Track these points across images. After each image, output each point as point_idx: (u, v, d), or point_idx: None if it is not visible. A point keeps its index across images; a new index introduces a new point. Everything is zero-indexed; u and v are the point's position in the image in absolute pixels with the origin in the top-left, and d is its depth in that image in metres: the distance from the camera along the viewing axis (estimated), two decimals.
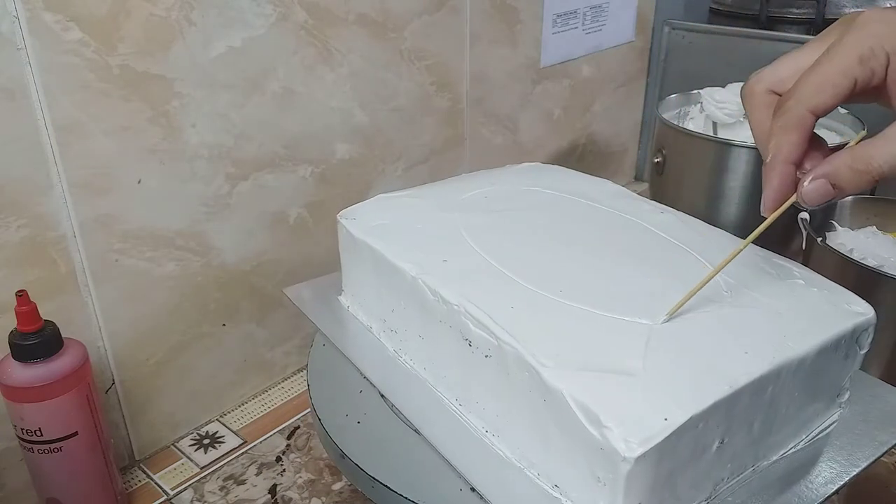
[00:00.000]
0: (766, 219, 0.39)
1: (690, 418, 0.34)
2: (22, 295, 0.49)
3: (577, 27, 0.96)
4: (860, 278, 0.66)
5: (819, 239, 0.69)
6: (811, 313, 0.43)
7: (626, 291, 0.43)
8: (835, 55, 0.36)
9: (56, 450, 0.51)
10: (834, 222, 0.77)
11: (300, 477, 0.61)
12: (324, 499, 0.59)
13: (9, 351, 0.50)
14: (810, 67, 0.37)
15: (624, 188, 0.58)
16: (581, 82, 1.01)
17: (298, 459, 0.63)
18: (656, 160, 0.88)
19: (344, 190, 0.72)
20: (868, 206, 0.78)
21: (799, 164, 0.38)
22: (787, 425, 0.42)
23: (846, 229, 0.77)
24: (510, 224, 0.51)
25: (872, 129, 0.84)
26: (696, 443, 0.36)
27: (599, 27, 1.00)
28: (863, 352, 0.45)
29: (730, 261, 0.41)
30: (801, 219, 0.72)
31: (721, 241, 0.50)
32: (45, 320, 0.50)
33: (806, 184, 0.37)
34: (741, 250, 0.41)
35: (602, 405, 0.35)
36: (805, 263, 0.73)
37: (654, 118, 0.91)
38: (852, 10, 0.97)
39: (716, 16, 1.15)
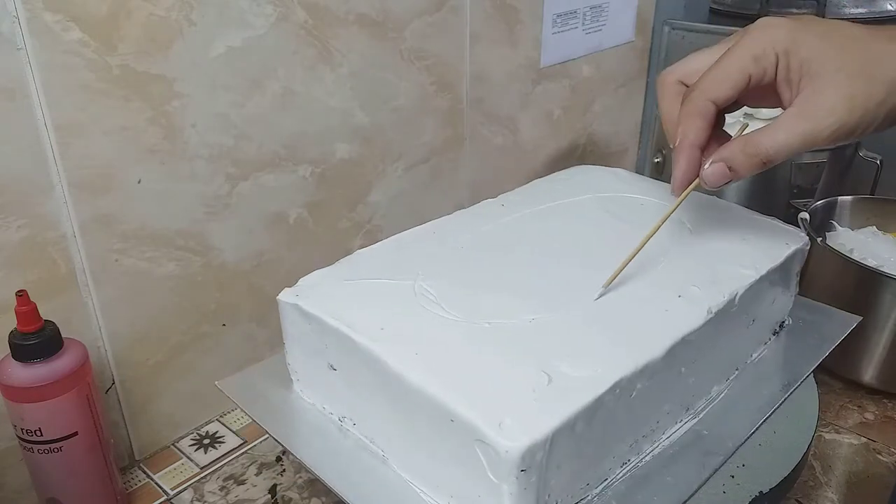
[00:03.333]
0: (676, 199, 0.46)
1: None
2: (22, 295, 0.49)
3: (577, 27, 0.96)
4: (860, 278, 0.66)
5: (819, 239, 0.70)
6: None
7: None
8: (734, 54, 0.41)
9: (56, 450, 0.51)
10: (834, 222, 0.78)
11: (300, 477, 0.61)
12: (324, 499, 0.59)
13: (9, 351, 0.50)
14: (713, 64, 0.42)
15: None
16: (581, 82, 1.01)
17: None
18: (656, 160, 0.88)
19: (344, 190, 0.72)
20: (868, 206, 0.78)
21: (704, 149, 0.43)
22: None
23: (846, 229, 0.77)
24: (527, 224, 0.55)
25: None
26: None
27: (599, 27, 1.00)
28: None
29: (643, 244, 0.46)
30: (801, 219, 0.72)
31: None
32: (45, 320, 0.50)
33: (706, 167, 0.43)
34: (655, 230, 0.47)
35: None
36: (805, 264, 0.73)
37: (654, 118, 0.91)
38: (852, 9, 0.98)
39: (716, 16, 1.15)
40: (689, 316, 0.44)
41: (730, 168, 0.42)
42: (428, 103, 0.78)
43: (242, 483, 0.61)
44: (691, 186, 0.44)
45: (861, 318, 0.55)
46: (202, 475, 0.62)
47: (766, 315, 0.52)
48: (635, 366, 0.40)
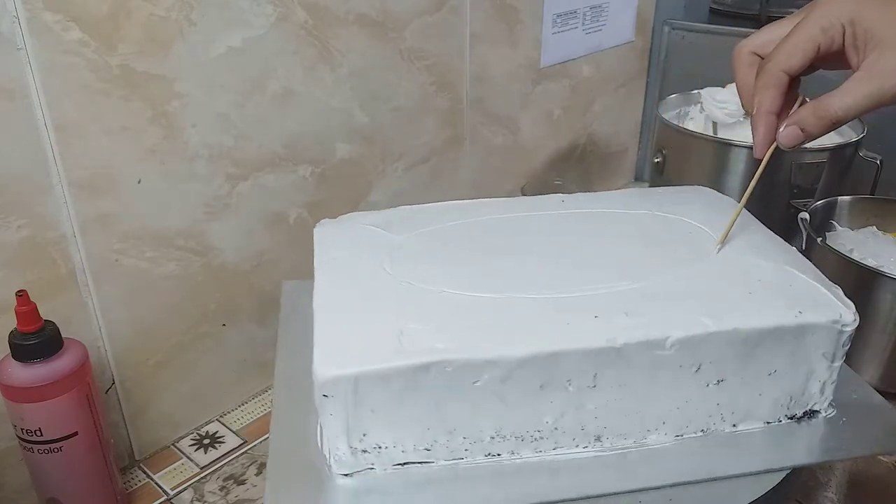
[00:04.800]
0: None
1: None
2: (22, 295, 0.49)
3: (577, 27, 0.96)
4: (860, 278, 0.66)
5: (819, 239, 0.69)
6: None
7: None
8: (803, 27, 0.45)
9: (56, 450, 0.51)
10: (834, 222, 0.77)
11: None
12: None
13: (9, 351, 0.50)
14: (784, 37, 0.46)
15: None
16: (581, 82, 1.01)
17: None
18: (656, 160, 0.88)
19: (344, 190, 0.72)
20: (868, 206, 0.78)
21: (779, 115, 0.47)
22: None
23: (846, 229, 0.77)
24: (521, 222, 0.55)
25: (873, 127, 0.84)
26: None
27: (599, 27, 1.00)
28: None
29: (739, 212, 0.51)
30: (801, 219, 0.72)
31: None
32: (45, 320, 0.50)
33: (781, 130, 0.47)
34: (748, 198, 0.50)
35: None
36: None
37: (654, 118, 0.91)
38: None
39: (716, 16, 1.15)
40: (583, 336, 0.43)
41: (802, 130, 0.46)
42: (428, 103, 0.78)
43: (242, 483, 0.61)
44: (771, 149, 0.48)
45: None
46: (202, 475, 0.62)
47: (752, 386, 0.46)
48: (472, 354, 0.41)
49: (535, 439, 0.44)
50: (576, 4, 0.94)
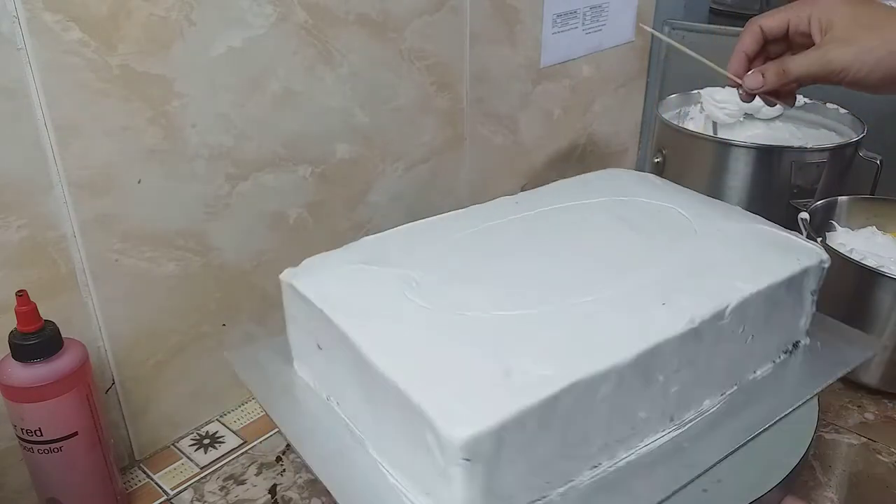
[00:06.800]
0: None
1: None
2: (22, 295, 0.49)
3: (577, 27, 0.96)
4: (860, 278, 0.66)
5: (819, 239, 0.69)
6: None
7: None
8: (785, 6, 0.60)
9: (56, 450, 0.51)
10: (834, 222, 0.78)
11: (300, 477, 0.61)
12: (324, 499, 0.59)
13: (9, 351, 0.50)
14: None
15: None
16: (581, 82, 1.01)
17: (298, 459, 0.63)
18: (656, 160, 0.88)
19: (344, 190, 0.72)
20: (868, 206, 0.78)
21: (752, 59, 0.62)
22: None
23: (846, 229, 0.77)
24: (522, 223, 0.56)
25: (873, 127, 0.84)
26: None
27: (599, 27, 1.00)
28: None
29: (678, 47, 0.67)
30: (801, 219, 0.72)
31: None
32: (45, 320, 0.50)
33: (749, 74, 0.60)
34: (685, 49, 0.65)
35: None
36: None
37: (654, 118, 0.91)
38: None
39: (716, 16, 1.15)
40: (668, 324, 0.43)
41: (762, 76, 0.58)
42: (428, 103, 0.78)
43: (242, 483, 0.61)
44: (735, 80, 0.61)
45: (874, 354, 0.56)
46: (202, 475, 0.62)
47: (770, 332, 0.51)
48: (597, 368, 0.40)
49: (628, 437, 0.44)
50: (576, 4, 0.94)
